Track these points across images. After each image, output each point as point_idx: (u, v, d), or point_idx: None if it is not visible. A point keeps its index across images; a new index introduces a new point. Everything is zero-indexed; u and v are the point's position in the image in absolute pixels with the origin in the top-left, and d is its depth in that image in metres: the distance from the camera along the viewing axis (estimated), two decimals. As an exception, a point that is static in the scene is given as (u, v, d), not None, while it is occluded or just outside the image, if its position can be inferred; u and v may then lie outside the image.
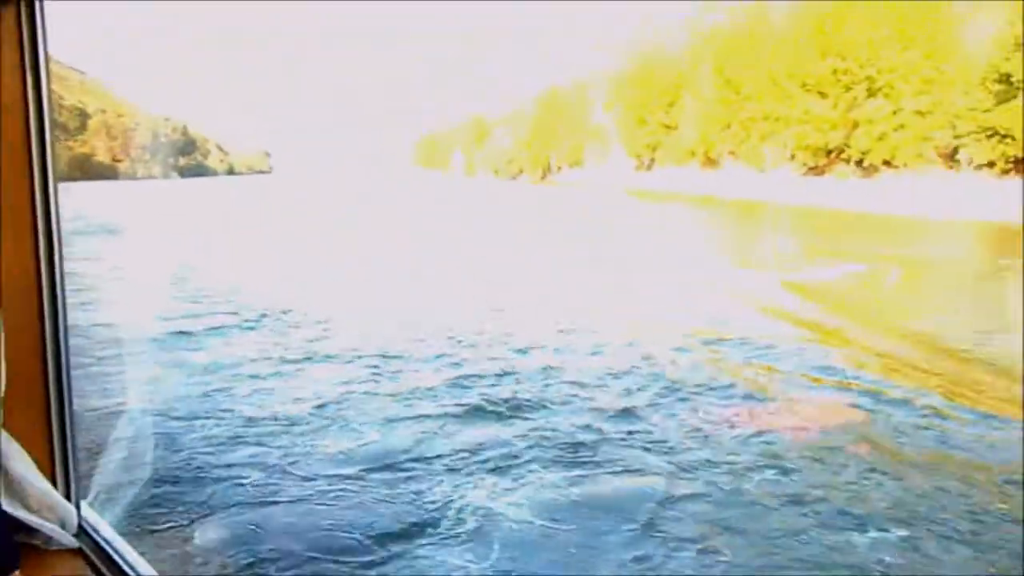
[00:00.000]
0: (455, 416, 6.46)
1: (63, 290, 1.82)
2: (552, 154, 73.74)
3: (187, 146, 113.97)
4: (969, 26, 36.10)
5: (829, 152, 43.57)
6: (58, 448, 1.83)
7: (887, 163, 40.09)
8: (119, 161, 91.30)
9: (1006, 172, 32.95)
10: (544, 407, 6.63)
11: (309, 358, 8.22)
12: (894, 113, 38.38)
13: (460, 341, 8.97)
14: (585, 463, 5.44)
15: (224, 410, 6.46)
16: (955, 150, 35.78)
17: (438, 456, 5.54)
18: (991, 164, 33.50)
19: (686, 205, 40.96)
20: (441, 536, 4.39)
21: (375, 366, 7.90)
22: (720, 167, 52.45)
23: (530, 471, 5.20)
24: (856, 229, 27.24)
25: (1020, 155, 32.19)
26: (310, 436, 5.89)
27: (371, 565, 4.07)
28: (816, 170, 44.84)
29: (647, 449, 5.72)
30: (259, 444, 5.67)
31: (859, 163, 41.68)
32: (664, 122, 56.58)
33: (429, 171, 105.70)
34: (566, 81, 74.54)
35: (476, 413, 6.47)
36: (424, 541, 4.32)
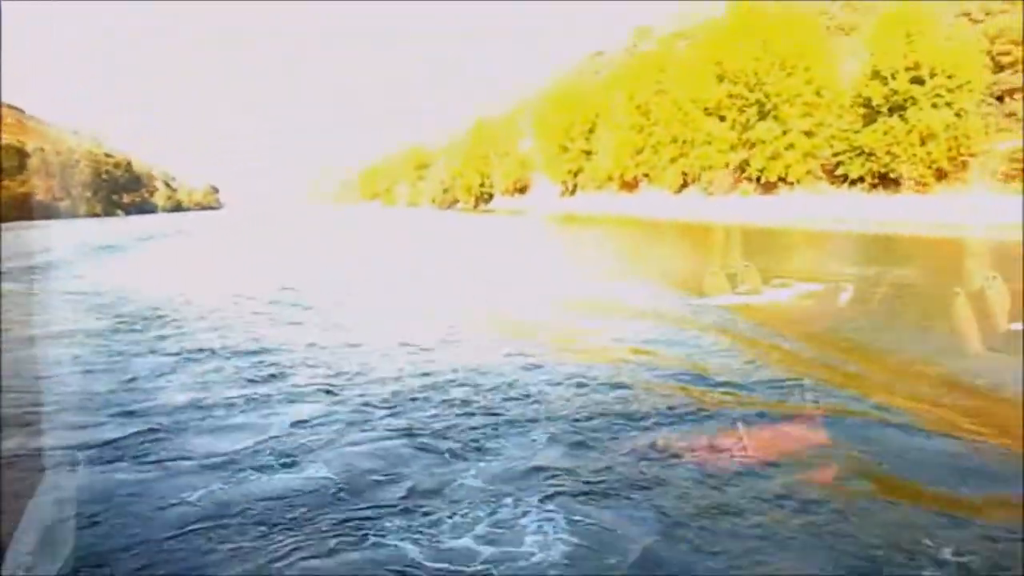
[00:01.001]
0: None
1: None
2: (485, 182, 75.73)
3: (132, 182, 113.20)
4: (838, 56, 39.26)
5: (733, 171, 46.07)
6: None
7: (782, 180, 42.62)
8: (59, 200, 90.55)
9: (874, 187, 35.62)
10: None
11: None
12: (784, 133, 40.96)
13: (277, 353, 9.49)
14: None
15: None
16: (836, 166, 38.45)
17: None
18: (861, 180, 36.15)
19: (607, 227, 42.42)
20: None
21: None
22: (637, 190, 54.86)
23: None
24: (762, 244, 26.51)
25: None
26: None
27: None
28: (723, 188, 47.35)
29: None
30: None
31: (758, 180, 44.16)
32: (584, 148, 59.01)
33: (371, 202, 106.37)
34: (497, 111, 77.00)
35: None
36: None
